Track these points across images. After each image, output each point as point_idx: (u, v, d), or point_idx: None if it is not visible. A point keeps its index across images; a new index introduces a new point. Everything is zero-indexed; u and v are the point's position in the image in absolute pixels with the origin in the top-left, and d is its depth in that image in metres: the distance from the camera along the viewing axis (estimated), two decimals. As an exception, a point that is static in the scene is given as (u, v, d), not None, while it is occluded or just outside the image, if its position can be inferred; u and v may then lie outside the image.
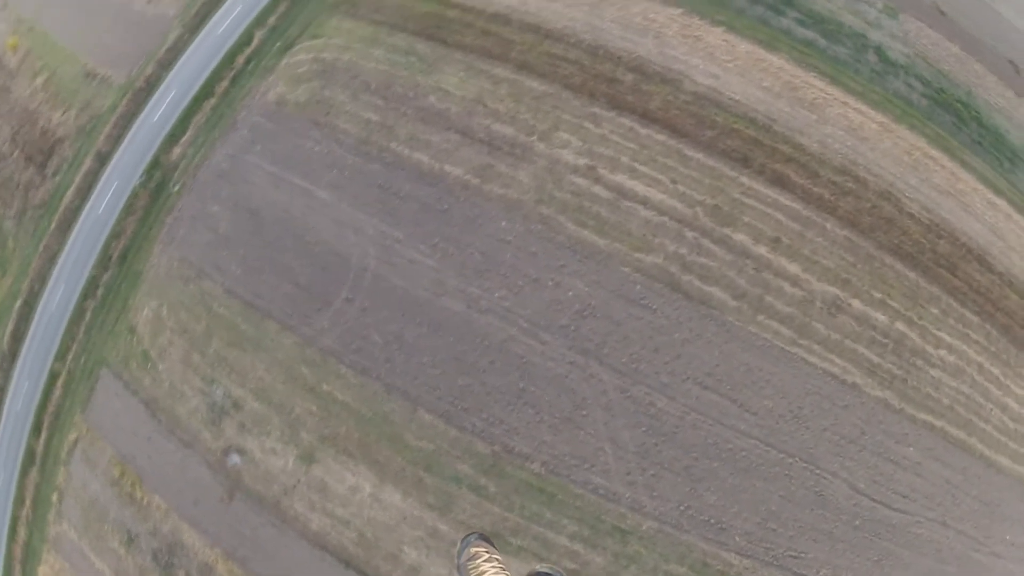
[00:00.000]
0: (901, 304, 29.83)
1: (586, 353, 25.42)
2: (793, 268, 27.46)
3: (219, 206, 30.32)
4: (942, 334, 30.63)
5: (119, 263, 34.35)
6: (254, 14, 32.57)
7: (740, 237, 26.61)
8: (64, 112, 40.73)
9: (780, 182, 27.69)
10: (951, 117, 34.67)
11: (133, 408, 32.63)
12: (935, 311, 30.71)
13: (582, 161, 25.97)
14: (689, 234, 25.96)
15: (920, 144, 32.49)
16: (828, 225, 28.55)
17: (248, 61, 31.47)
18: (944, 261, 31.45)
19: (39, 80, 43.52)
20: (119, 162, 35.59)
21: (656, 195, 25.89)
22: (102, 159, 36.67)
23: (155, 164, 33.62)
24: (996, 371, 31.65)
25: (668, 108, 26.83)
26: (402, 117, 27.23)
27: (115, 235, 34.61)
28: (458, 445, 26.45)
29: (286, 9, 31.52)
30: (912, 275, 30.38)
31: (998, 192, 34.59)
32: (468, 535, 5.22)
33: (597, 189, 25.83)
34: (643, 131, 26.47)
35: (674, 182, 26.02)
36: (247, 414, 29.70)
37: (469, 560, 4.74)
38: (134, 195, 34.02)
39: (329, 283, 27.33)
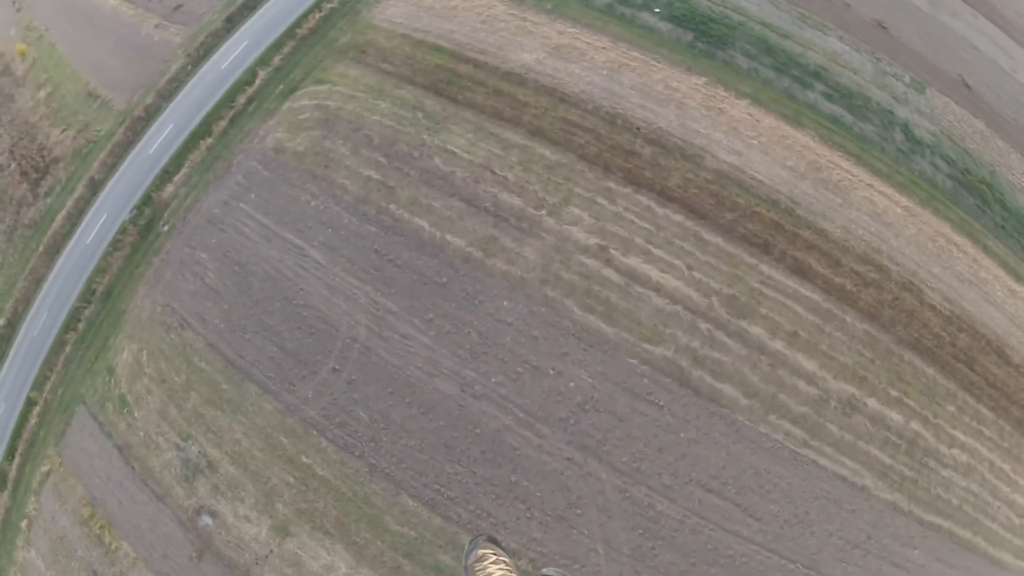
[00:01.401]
0: (917, 402, 27.06)
1: (585, 449, 22.45)
2: (810, 365, 24.55)
3: (207, 254, 27.36)
4: (956, 432, 27.93)
5: (103, 299, 31.44)
6: (259, 51, 29.66)
7: (756, 330, 23.67)
8: (63, 131, 37.96)
9: (801, 271, 24.79)
10: (975, 199, 31.88)
11: (107, 451, 29.87)
12: (951, 408, 28.00)
13: (593, 240, 23.01)
14: (703, 326, 23.02)
15: (944, 230, 29.69)
16: (848, 318, 25.67)
17: (249, 102, 28.50)
18: (963, 355, 28.70)
19: (42, 93, 40.79)
20: (111, 193, 32.71)
21: (671, 282, 22.94)
22: (94, 187, 33.80)
23: (146, 200, 30.66)
24: (1007, 467, 29.01)
25: (687, 186, 23.91)
26: (404, 178, 24.26)
27: (100, 269, 31.71)
28: (442, 535, 23.49)
29: (292, 50, 28.61)
30: (930, 371, 27.62)
31: (1019, 279, 31.88)
32: (476, 537, 4.93)
33: (608, 272, 22.87)
34: (660, 210, 23.53)
35: (690, 268, 23.09)
36: (222, 476, 26.85)
37: (476, 562, 4.52)
38: (122, 230, 31.08)
39: (316, 350, 24.35)
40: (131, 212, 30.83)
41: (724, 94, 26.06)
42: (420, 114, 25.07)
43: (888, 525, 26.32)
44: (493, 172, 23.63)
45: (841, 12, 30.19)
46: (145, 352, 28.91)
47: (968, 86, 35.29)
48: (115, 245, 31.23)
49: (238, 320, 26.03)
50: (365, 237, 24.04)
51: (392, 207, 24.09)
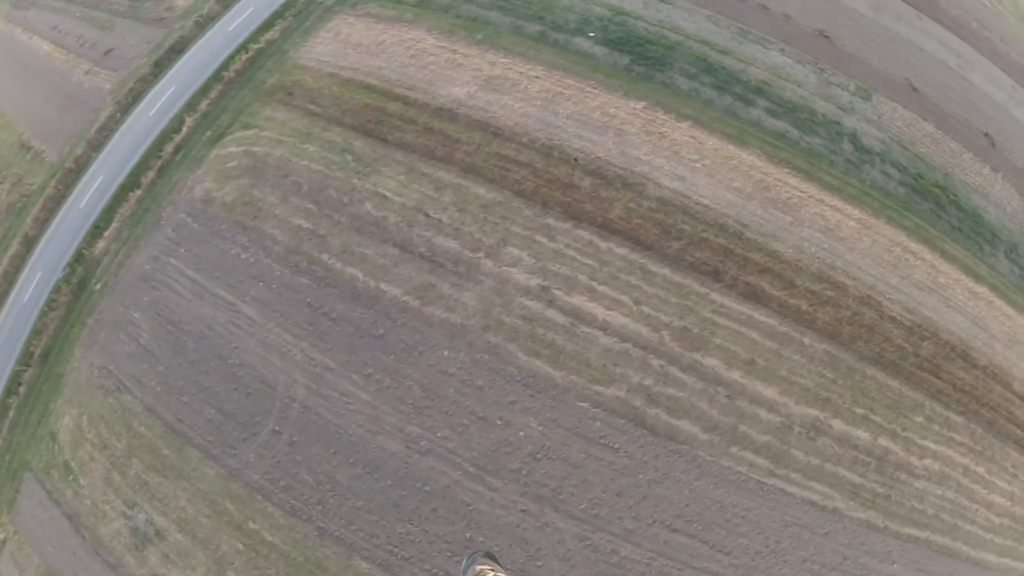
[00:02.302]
0: (884, 417, 26.09)
1: (540, 500, 21.13)
2: (769, 392, 23.44)
3: (140, 313, 25.75)
4: (927, 442, 27.02)
5: (41, 362, 29.71)
6: (186, 97, 28.13)
7: (712, 362, 22.51)
8: (-2, 184, 36.08)
9: (754, 296, 23.68)
10: (929, 204, 31.01)
11: (57, 520, 28.24)
12: (919, 419, 27.07)
13: (535, 281, 21.74)
14: (655, 362, 21.80)
15: (900, 238, 28.77)
16: (806, 340, 24.61)
17: (177, 150, 26.95)
18: (927, 364, 27.78)
19: (-22, 145, 38.82)
20: (45, 249, 31.00)
21: (618, 319, 21.71)
22: (29, 243, 32.07)
23: (78, 257, 28.96)
24: (981, 470, 28.15)
25: (630, 217, 22.71)
26: (335, 225, 22.86)
27: (37, 331, 29.98)
28: (398, 597, 22.06)
29: (219, 94, 27.09)
30: (895, 384, 26.67)
31: (979, 279, 31.04)
32: (473, 552, 4.94)
33: (551, 313, 21.60)
34: (603, 244, 22.31)
35: (637, 303, 21.87)
36: (171, 545, 25.26)
37: None
38: (57, 289, 29.36)
39: (255, 411, 22.85)
40: (64, 270, 29.13)
41: (664, 117, 24.91)
42: (349, 157, 23.68)
43: (864, 543, 25.39)
44: (427, 215, 22.28)
45: (782, 24, 29.22)
46: (85, 417, 27.30)
47: (915, 89, 34.48)
48: (50, 305, 29.53)
49: (175, 382, 24.47)
50: (298, 290, 22.59)
51: (324, 257, 22.67)
